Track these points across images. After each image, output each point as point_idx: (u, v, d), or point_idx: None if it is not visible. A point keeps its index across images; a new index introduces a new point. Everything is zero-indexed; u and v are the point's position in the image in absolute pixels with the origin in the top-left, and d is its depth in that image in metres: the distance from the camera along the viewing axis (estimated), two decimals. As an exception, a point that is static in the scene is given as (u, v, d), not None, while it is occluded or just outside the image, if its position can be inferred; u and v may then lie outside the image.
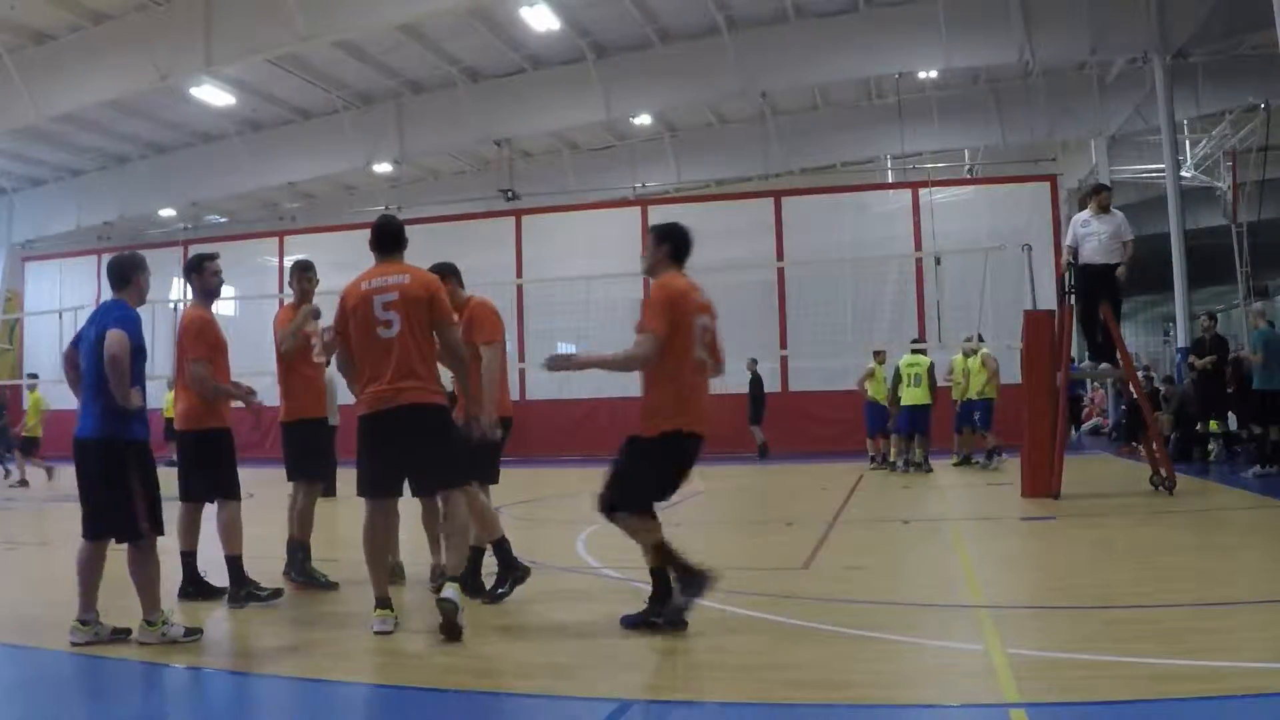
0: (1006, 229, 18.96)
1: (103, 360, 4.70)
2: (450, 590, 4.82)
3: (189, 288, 6.14)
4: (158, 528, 4.86)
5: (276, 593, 5.75)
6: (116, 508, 4.77)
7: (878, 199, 22.65)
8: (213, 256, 6.06)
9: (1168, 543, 7.71)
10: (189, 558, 5.84)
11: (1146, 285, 22.04)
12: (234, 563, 5.67)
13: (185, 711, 4.23)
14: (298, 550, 6.21)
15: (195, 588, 5.81)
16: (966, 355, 15.45)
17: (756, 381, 19.54)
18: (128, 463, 4.79)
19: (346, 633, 5.02)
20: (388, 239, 5.23)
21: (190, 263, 6.09)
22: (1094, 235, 10.31)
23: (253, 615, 5.51)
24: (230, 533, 5.71)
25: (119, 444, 4.80)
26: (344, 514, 9.76)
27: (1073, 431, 16.07)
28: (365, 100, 22.77)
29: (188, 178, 24.60)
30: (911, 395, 14.52)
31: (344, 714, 4.11)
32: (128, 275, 5.03)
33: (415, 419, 4.99)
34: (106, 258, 22.88)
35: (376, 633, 4.86)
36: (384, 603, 4.94)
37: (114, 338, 4.69)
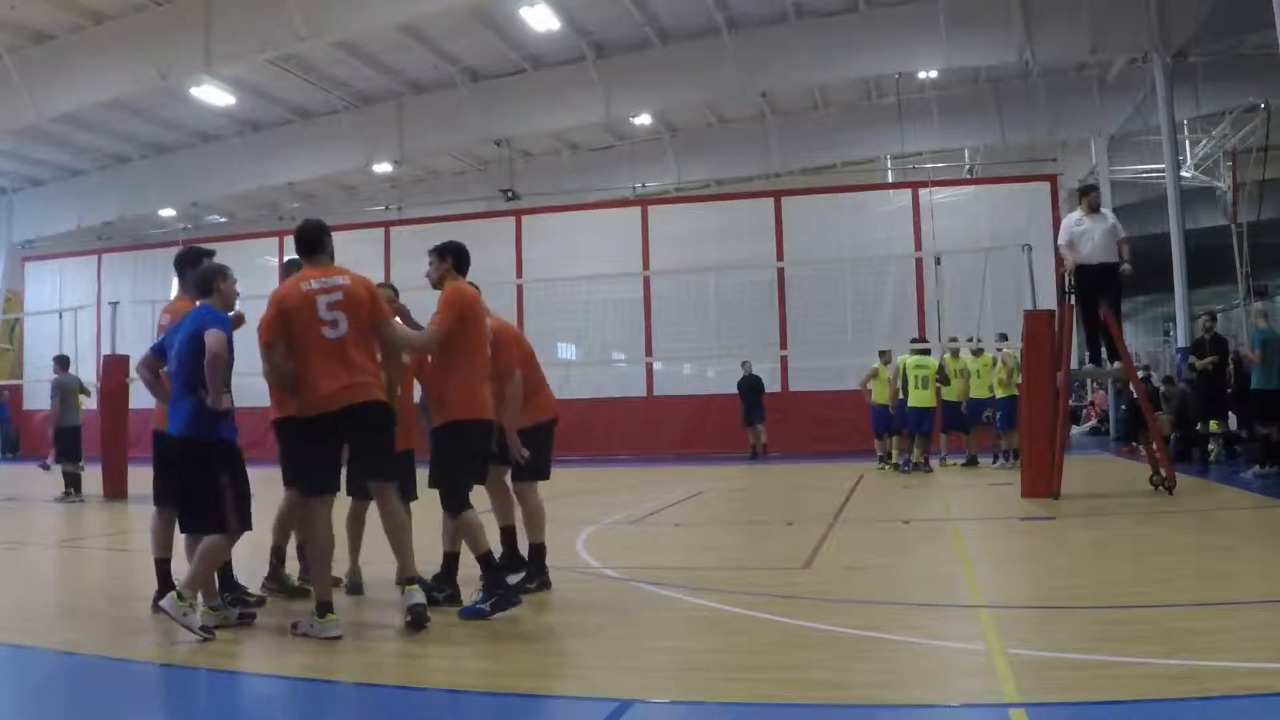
0: (1006, 229, 18.96)
1: (195, 360, 4.88)
2: (416, 594, 4.93)
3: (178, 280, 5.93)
4: (246, 524, 5.04)
5: (260, 601, 5.65)
6: (205, 504, 4.94)
7: (878, 199, 22.65)
8: (209, 254, 5.86)
9: (1168, 543, 7.70)
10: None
11: (1146, 285, 22.07)
12: (224, 569, 5.56)
13: (183, 711, 4.22)
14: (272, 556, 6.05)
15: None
16: (960, 355, 15.45)
17: (747, 382, 19.50)
18: (216, 461, 4.96)
19: (345, 633, 5.00)
20: (313, 242, 5.25)
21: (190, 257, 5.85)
22: (1088, 235, 10.33)
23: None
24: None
25: (207, 443, 4.95)
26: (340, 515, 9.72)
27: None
28: (365, 100, 22.79)
29: (188, 178, 24.63)
30: (918, 397, 14.51)
31: (343, 714, 4.11)
32: (211, 283, 5.20)
33: (364, 415, 5.05)
34: (107, 257, 23.06)
35: (329, 638, 4.74)
36: (329, 608, 4.88)
37: (215, 337, 4.87)
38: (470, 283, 5.68)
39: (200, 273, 5.32)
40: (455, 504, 5.35)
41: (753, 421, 19.52)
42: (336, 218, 24.48)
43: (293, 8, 16.30)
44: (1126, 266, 10.37)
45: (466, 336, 5.41)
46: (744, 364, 19.81)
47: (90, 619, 5.37)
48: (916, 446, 14.72)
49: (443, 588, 5.53)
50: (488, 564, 5.26)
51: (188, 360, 4.97)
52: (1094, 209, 10.54)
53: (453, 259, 5.58)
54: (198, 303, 5.23)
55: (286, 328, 5.04)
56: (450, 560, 5.64)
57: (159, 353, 5.27)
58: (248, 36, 17.25)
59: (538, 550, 5.99)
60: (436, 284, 5.59)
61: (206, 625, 4.85)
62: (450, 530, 5.61)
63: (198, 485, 4.97)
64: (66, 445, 13.11)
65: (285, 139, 23.81)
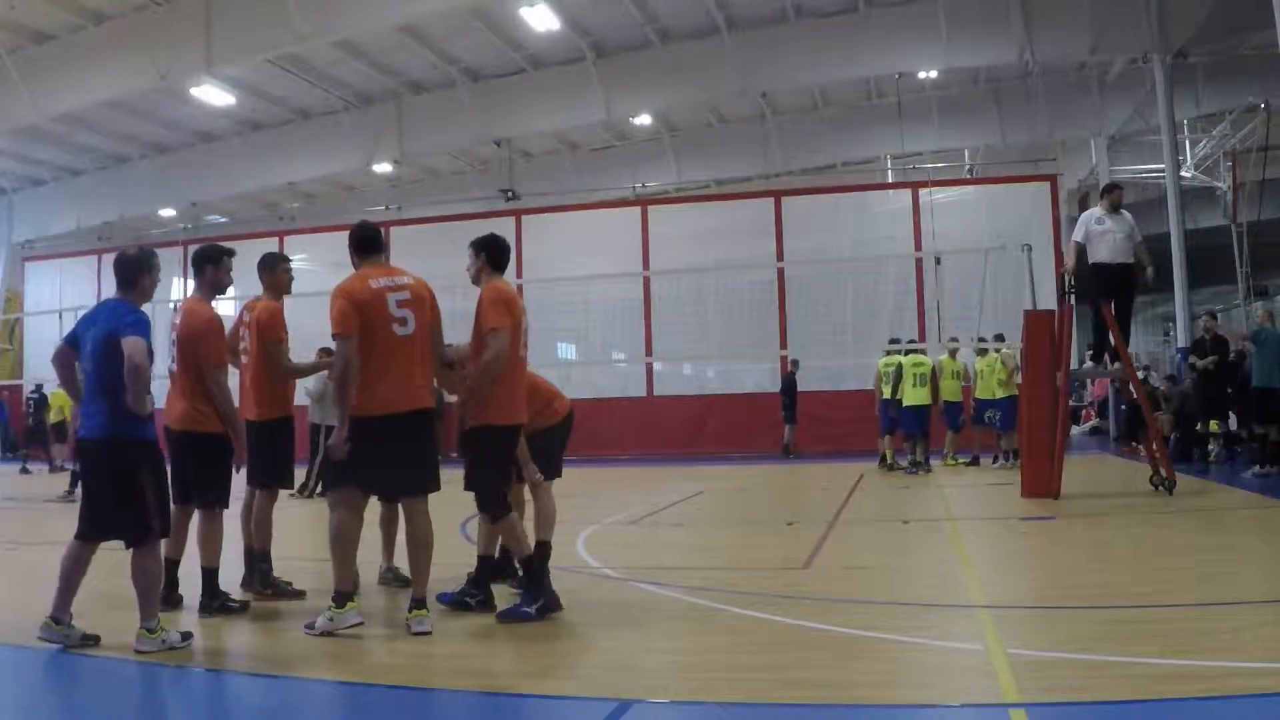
0: (1006, 229, 18.95)
1: (112, 362, 4.63)
2: (423, 622, 4.90)
3: (196, 279, 5.73)
4: (166, 529, 4.84)
5: (245, 605, 5.60)
6: (127, 508, 4.70)
7: (878, 199, 22.67)
8: (232, 253, 5.84)
9: (1168, 543, 7.70)
10: (173, 565, 5.62)
11: (1147, 285, 22.13)
12: (210, 575, 5.51)
13: (183, 712, 4.23)
14: (262, 561, 5.99)
15: (167, 592, 5.60)
16: (958, 355, 15.46)
17: (790, 381, 19.42)
18: (139, 463, 4.74)
19: (342, 634, 5.00)
20: (371, 243, 5.27)
21: (209, 254, 5.72)
22: (1108, 235, 10.21)
23: (247, 618, 5.47)
24: (210, 544, 5.53)
25: (130, 443, 4.72)
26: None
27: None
28: (365, 100, 22.79)
29: (188, 178, 24.63)
30: (915, 395, 14.49)
31: (343, 714, 4.11)
32: (135, 278, 4.92)
33: (420, 422, 5.06)
34: (107, 257, 23.14)
35: (352, 626, 4.86)
36: (348, 597, 4.93)
37: (135, 346, 4.57)
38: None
39: (128, 263, 4.92)
40: (497, 507, 5.31)
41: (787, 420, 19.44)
42: (336, 218, 24.59)
43: (293, 8, 16.30)
44: (1150, 272, 10.38)
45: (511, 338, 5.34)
46: (791, 364, 19.62)
47: (91, 619, 5.35)
48: (917, 446, 14.70)
49: (476, 593, 5.49)
50: (530, 568, 5.28)
51: (103, 362, 4.69)
52: (1115, 208, 10.42)
53: (486, 255, 5.48)
54: (115, 296, 4.92)
55: (358, 324, 4.95)
56: (484, 564, 5.59)
57: (73, 344, 4.92)
58: (248, 36, 17.27)
59: (543, 549, 5.98)
60: (475, 279, 5.50)
61: (183, 632, 4.78)
62: (485, 533, 5.59)
63: (117, 488, 4.70)
64: None
65: (285, 139, 23.81)
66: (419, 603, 4.97)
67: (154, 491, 4.77)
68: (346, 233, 5.41)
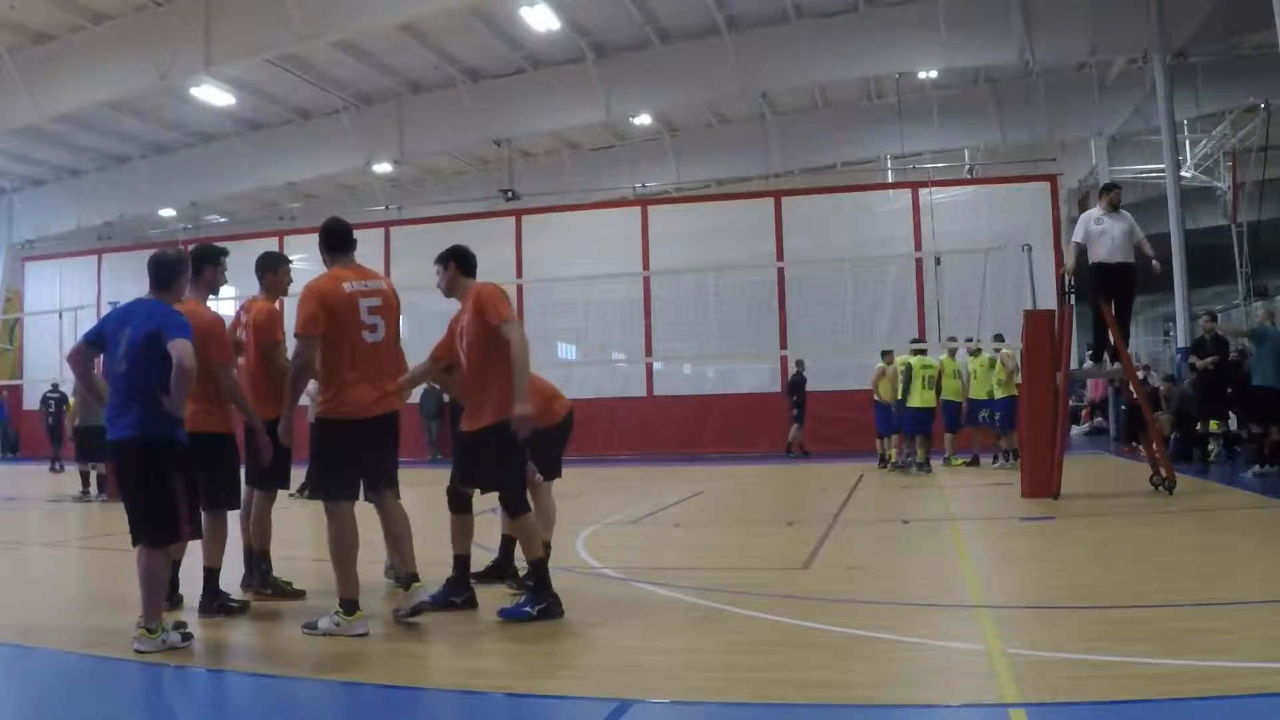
0: (1006, 229, 18.97)
1: (150, 363, 4.60)
2: (420, 592, 5.01)
3: (193, 279, 5.61)
4: (197, 532, 4.87)
5: (245, 605, 5.59)
6: (160, 511, 4.68)
7: (878, 199, 22.69)
8: (226, 252, 5.83)
9: (1168, 543, 7.71)
10: (174, 566, 5.51)
11: (1147, 285, 22.16)
12: (211, 575, 5.48)
13: (183, 712, 4.23)
14: (261, 561, 5.96)
15: (168, 592, 5.60)
16: (956, 355, 15.45)
17: (799, 381, 19.40)
18: (172, 464, 4.71)
19: (342, 634, 4.99)
20: (344, 240, 5.27)
21: (209, 254, 5.70)
22: (1107, 234, 10.26)
23: (247, 618, 5.46)
24: (213, 544, 5.49)
25: (165, 445, 4.69)
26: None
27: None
28: (365, 100, 22.80)
29: (188, 178, 24.65)
30: (923, 397, 14.48)
31: (343, 714, 4.11)
32: (172, 280, 4.88)
33: (393, 425, 5.17)
34: (107, 257, 23.10)
35: (357, 635, 4.84)
36: (356, 605, 4.92)
37: (184, 349, 4.54)
38: None
39: (167, 264, 4.88)
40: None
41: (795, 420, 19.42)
42: (336, 218, 24.61)
43: (293, 8, 16.31)
44: (1156, 264, 10.52)
45: None
46: (797, 362, 19.62)
47: (91, 619, 5.37)
48: (919, 446, 14.69)
49: (460, 592, 5.48)
50: (538, 571, 5.25)
51: (140, 362, 4.63)
52: (1114, 207, 10.47)
53: (455, 263, 5.47)
54: (149, 296, 4.86)
55: (326, 326, 4.95)
56: (462, 563, 5.58)
57: (94, 343, 4.83)
58: (248, 36, 17.28)
59: (543, 550, 5.98)
60: (448, 292, 5.49)
61: (184, 633, 4.74)
62: (461, 532, 5.57)
63: (147, 490, 4.66)
64: (90, 445, 12.91)
65: (285, 139, 23.82)
66: (413, 578, 5.06)
67: (186, 493, 4.76)
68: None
